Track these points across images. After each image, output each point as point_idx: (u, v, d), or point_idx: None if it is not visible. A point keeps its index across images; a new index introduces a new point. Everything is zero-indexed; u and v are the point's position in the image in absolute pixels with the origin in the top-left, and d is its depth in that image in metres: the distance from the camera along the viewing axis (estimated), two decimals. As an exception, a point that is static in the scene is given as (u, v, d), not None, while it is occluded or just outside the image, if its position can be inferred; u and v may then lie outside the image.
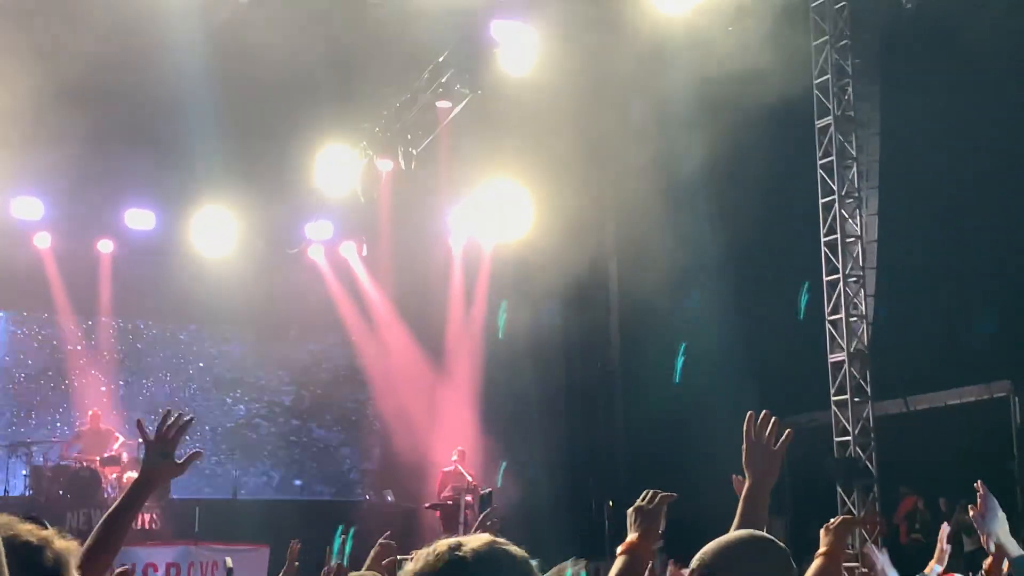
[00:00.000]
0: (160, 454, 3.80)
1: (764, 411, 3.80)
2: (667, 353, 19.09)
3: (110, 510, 3.66)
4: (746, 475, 3.81)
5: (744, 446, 3.78)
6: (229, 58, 15.52)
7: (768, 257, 17.46)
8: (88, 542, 3.48)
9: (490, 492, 14.47)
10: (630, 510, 3.49)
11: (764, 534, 3.14)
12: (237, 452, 20.19)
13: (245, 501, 19.58)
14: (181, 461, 3.85)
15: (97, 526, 3.66)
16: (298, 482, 20.83)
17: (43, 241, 18.44)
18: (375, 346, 20.46)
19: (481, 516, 5.27)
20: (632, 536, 3.39)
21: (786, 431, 3.80)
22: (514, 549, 2.27)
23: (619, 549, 3.39)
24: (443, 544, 2.26)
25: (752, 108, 15.73)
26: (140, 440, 3.91)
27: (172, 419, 3.86)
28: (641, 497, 3.50)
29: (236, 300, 18.72)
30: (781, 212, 17.02)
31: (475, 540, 2.27)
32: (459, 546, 2.23)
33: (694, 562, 3.04)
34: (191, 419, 3.99)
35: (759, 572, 2.94)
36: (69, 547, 2.17)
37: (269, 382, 20.64)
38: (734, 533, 3.16)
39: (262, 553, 14.44)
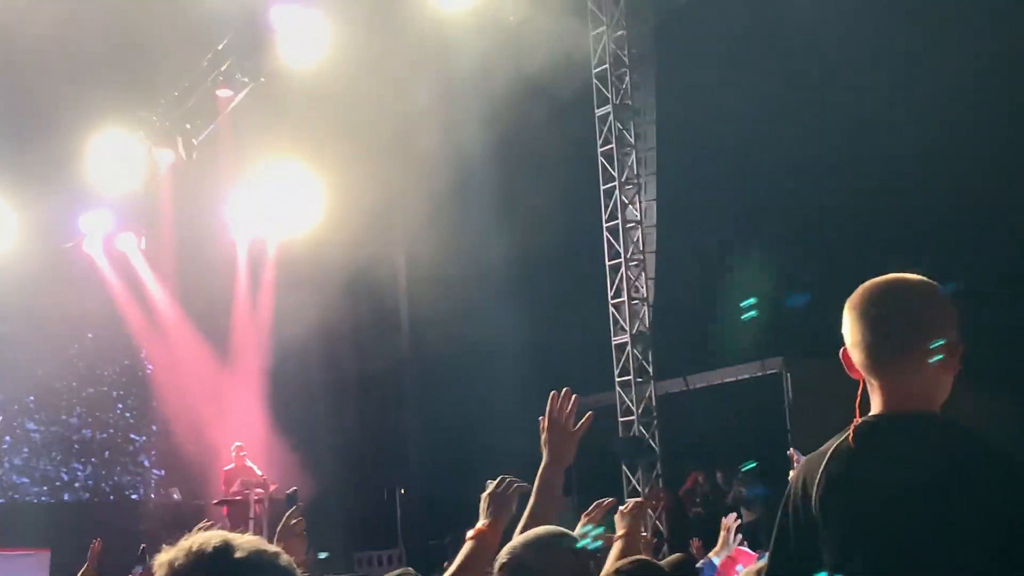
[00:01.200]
0: None
1: (565, 389, 3.85)
2: (455, 341, 19.27)
3: None
4: (543, 454, 3.85)
5: (544, 425, 3.83)
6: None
7: (554, 244, 17.77)
8: None
9: (295, 490, 14.21)
10: (483, 495, 3.52)
11: (563, 530, 3.27)
12: (12, 453, 19.32)
13: (24, 504, 18.78)
14: None
15: None
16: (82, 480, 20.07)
17: None
18: (157, 341, 19.88)
19: (286, 515, 5.08)
20: (483, 522, 3.43)
21: (587, 413, 3.85)
22: (283, 558, 2.18)
23: (469, 534, 3.42)
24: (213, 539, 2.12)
25: (536, 96, 16.00)
26: None
27: None
28: (495, 484, 3.53)
29: (9, 297, 17.89)
30: (565, 199, 17.35)
31: (244, 541, 2.15)
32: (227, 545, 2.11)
33: (502, 556, 3.13)
34: None
35: (562, 567, 3.09)
36: None
37: (46, 380, 19.78)
38: (539, 530, 3.26)
39: (42, 557, 13.93)
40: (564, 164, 17.42)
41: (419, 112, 18.26)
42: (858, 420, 2.63)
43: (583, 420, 3.80)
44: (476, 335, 18.88)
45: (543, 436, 3.80)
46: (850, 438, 2.62)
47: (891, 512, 2.50)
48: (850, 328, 2.68)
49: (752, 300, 16.74)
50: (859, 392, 2.68)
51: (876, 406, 2.65)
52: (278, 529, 4.88)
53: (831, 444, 2.67)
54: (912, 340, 2.61)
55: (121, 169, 17.47)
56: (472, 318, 18.77)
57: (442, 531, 18.19)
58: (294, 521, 4.89)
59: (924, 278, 2.69)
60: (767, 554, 2.82)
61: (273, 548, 2.18)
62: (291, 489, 15.34)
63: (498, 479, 3.55)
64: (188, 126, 17.01)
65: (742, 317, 15.95)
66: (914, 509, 2.48)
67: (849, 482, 2.58)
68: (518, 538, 3.20)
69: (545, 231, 17.27)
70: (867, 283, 2.70)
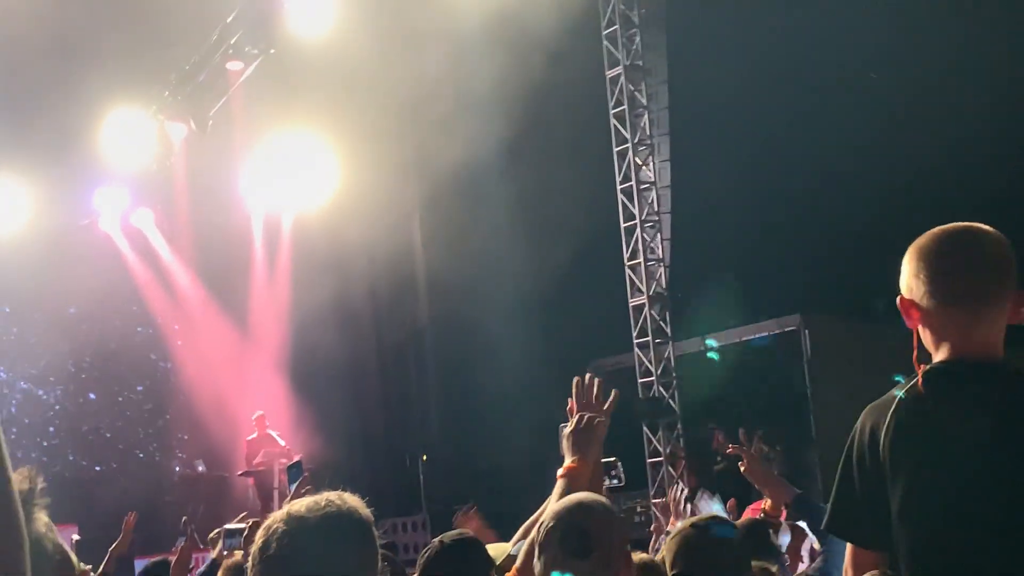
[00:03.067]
0: None
1: (588, 374, 3.91)
2: (474, 307, 19.32)
3: None
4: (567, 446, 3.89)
5: (572, 407, 3.81)
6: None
7: (568, 205, 17.77)
8: None
9: (299, 461, 14.32)
10: (564, 434, 3.60)
11: (601, 497, 3.33)
12: (42, 434, 19.51)
13: (50, 481, 18.97)
14: None
15: None
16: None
17: None
18: (177, 316, 20.01)
19: (295, 486, 5.17)
20: (570, 459, 3.52)
21: (612, 392, 3.90)
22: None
23: (559, 473, 3.51)
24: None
25: (545, 59, 15.95)
26: None
27: None
28: (573, 422, 3.62)
29: (28, 277, 17.98)
30: (578, 160, 17.32)
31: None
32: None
33: (548, 520, 3.13)
34: None
35: (612, 529, 3.11)
36: None
37: (67, 358, 19.93)
38: (580, 495, 3.25)
39: (68, 532, 14.08)
40: (576, 127, 17.38)
41: (429, 78, 18.23)
42: (924, 367, 2.63)
43: (610, 400, 3.85)
44: (493, 300, 18.92)
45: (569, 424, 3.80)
46: (919, 384, 2.61)
47: (964, 456, 2.52)
48: (919, 275, 2.65)
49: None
50: (915, 341, 2.67)
51: (943, 353, 2.65)
52: (288, 498, 4.92)
53: (898, 390, 2.67)
54: (990, 288, 2.61)
55: (135, 145, 17.52)
56: (489, 283, 18.80)
57: (465, 496, 18.31)
58: (304, 491, 4.93)
59: (992, 228, 2.67)
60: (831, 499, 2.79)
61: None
62: (295, 460, 15.44)
63: (576, 417, 3.64)
64: (200, 100, 17.00)
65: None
66: (988, 453, 2.50)
67: (920, 427, 2.58)
68: (560, 502, 3.20)
69: (559, 194, 17.26)
70: (937, 230, 2.68)
